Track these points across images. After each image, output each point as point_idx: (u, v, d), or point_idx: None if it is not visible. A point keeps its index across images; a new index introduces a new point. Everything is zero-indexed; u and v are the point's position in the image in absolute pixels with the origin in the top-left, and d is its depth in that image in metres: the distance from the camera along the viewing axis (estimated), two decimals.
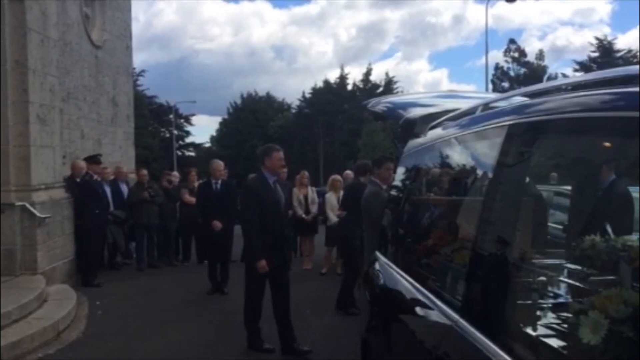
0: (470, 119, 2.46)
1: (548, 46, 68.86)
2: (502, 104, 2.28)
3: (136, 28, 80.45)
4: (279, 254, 5.21)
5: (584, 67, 39.67)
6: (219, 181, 8.05)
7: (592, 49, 41.33)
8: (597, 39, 41.51)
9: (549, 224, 2.21)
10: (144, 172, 10.18)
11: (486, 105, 2.39)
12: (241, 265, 9.71)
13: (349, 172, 10.04)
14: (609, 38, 41.73)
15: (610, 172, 1.89)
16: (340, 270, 8.93)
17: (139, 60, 77.20)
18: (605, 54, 39.82)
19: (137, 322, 6.46)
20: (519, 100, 2.21)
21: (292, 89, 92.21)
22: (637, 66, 1.52)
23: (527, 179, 2.00)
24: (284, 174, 8.52)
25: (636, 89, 1.38)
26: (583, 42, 75.66)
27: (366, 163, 7.03)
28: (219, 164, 8.24)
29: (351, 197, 6.69)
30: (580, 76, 2.21)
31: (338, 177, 9.52)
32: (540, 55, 46.31)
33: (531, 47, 70.43)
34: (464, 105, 2.78)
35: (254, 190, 5.23)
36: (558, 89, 1.94)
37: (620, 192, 1.87)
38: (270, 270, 5.09)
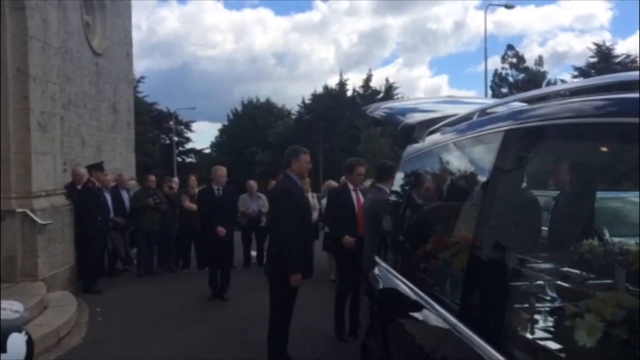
0: (467, 124, 2.48)
1: (549, 52, 68.79)
2: (499, 110, 2.31)
3: (138, 35, 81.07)
4: (309, 267, 4.94)
5: (582, 72, 39.72)
6: (221, 187, 8.01)
7: (591, 54, 41.45)
8: (595, 44, 41.60)
9: (546, 228, 2.23)
10: (153, 178, 10.17)
11: (483, 111, 2.41)
12: (242, 272, 9.81)
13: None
14: (610, 44, 41.86)
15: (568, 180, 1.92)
16: (333, 277, 8.91)
17: (141, 67, 77.78)
18: (604, 59, 39.88)
19: (138, 328, 6.46)
20: (515, 105, 2.23)
21: (293, 96, 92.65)
22: (637, 72, 1.53)
23: (524, 184, 2.02)
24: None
25: (635, 95, 1.39)
26: (584, 47, 75.83)
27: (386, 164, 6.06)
28: (223, 170, 8.18)
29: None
30: (578, 81, 2.22)
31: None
32: (540, 61, 46.45)
33: (532, 53, 70.62)
34: (463, 110, 2.80)
35: (293, 194, 4.78)
36: (556, 95, 1.96)
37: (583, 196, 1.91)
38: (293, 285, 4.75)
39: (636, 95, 1.38)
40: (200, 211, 8.41)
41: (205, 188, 8.63)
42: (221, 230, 7.69)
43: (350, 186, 6.12)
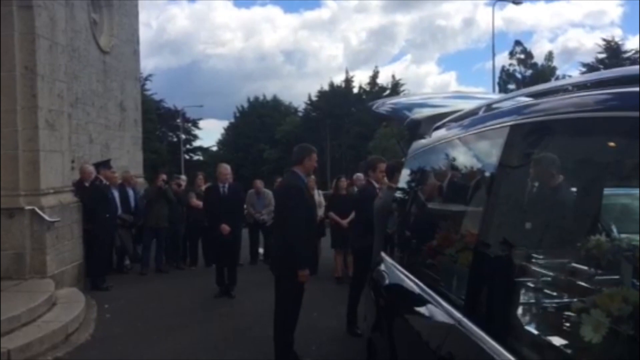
0: (473, 119, 2.47)
1: (559, 48, 68.66)
2: (505, 105, 2.29)
3: (148, 33, 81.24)
4: (314, 264, 5.04)
5: (591, 68, 39.42)
6: (226, 185, 8.04)
7: (600, 50, 41.13)
8: (604, 40, 41.29)
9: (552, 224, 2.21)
10: (164, 176, 10.29)
11: (489, 106, 2.40)
12: (249, 269, 9.82)
13: (359, 175, 10.10)
14: (621, 40, 41.51)
15: (558, 175, 1.92)
16: (339, 274, 8.90)
17: (150, 65, 78.21)
18: (613, 55, 39.57)
19: (145, 326, 6.49)
20: (521, 100, 2.22)
21: (302, 93, 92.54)
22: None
23: (529, 180, 2.00)
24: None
25: (636, 89, 1.39)
26: (594, 44, 75.27)
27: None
28: (225, 167, 8.24)
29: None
30: (584, 76, 2.21)
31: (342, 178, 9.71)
32: (550, 56, 46.16)
33: (542, 49, 70.05)
34: (471, 105, 2.79)
35: (302, 191, 4.89)
36: (562, 89, 1.95)
37: (565, 193, 1.91)
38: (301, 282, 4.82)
39: (637, 89, 1.37)
40: (206, 209, 8.48)
41: (211, 186, 8.67)
42: (225, 227, 7.73)
43: (376, 184, 6.12)
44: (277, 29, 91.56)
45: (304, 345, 5.23)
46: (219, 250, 7.99)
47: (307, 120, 49.06)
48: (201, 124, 51.31)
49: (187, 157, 47.23)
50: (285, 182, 5.20)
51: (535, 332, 1.68)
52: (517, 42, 47.52)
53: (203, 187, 10.17)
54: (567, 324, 1.52)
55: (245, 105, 54.29)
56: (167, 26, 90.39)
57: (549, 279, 1.75)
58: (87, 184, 8.68)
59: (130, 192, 9.98)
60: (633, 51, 39.54)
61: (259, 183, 10.98)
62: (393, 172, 5.71)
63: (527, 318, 1.76)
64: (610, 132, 1.51)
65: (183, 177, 11.90)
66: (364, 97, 46.34)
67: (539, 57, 46.33)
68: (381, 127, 35.14)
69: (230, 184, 8.13)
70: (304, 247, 4.75)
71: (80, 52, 10.65)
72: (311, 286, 5.07)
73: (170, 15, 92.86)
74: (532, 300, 1.78)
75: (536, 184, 2.11)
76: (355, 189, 9.52)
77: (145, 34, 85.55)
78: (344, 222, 8.70)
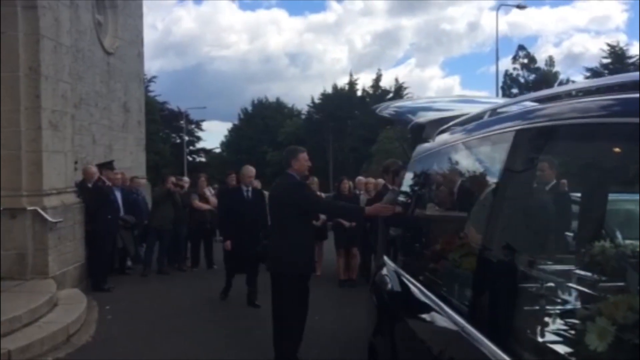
0: (477, 124, 2.46)
1: (564, 53, 68.41)
2: (510, 109, 2.28)
3: (154, 35, 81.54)
4: (311, 263, 5.08)
5: (595, 73, 39.35)
6: (250, 188, 7.42)
7: (604, 55, 41.06)
8: (609, 45, 41.22)
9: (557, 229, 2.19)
10: (174, 179, 10.31)
11: (494, 110, 2.39)
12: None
13: (361, 178, 10.13)
14: (626, 45, 41.43)
15: (553, 174, 1.91)
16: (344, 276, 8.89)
17: (155, 66, 78.58)
18: (618, 60, 39.50)
19: (147, 327, 6.48)
20: (526, 105, 2.21)
21: (305, 95, 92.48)
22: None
23: (534, 185, 1.99)
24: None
25: (636, 95, 1.38)
26: (599, 49, 75.29)
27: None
28: (250, 169, 7.58)
29: None
30: (590, 81, 2.20)
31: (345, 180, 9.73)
32: (550, 61, 46.10)
33: (547, 54, 70.11)
34: (476, 110, 2.77)
35: (305, 185, 5.03)
36: (567, 95, 1.94)
37: (560, 194, 1.90)
38: (304, 282, 4.85)
39: (637, 95, 1.37)
40: (223, 212, 7.77)
41: (232, 188, 8.12)
42: (227, 245, 7.32)
43: (390, 187, 6.30)
44: (282, 31, 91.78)
45: (306, 347, 5.20)
46: (238, 259, 7.26)
47: (310, 122, 49.05)
48: (205, 125, 51.37)
49: (190, 158, 47.29)
50: (282, 183, 5.06)
51: (540, 339, 1.66)
52: (521, 47, 47.51)
53: (205, 189, 10.16)
54: (572, 332, 1.51)
55: (249, 107, 54.42)
56: (173, 28, 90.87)
57: (554, 285, 1.74)
58: (89, 185, 8.69)
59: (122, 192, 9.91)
60: (637, 57, 39.46)
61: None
62: (394, 175, 5.79)
63: (531, 325, 1.74)
64: (614, 138, 1.50)
65: (185, 178, 11.90)
66: (367, 100, 46.31)
67: (542, 62, 46.33)
68: (384, 129, 35.13)
69: (254, 188, 7.48)
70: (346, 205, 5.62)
71: (85, 53, 10.67)
72: (313, 289, 5.05)
73: (176, 17, 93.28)
74: (537, 307, 1.76)
75: (541, 189, 2.10)
76: (357, 191, 9.55)
77: (151, 35, 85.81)
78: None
